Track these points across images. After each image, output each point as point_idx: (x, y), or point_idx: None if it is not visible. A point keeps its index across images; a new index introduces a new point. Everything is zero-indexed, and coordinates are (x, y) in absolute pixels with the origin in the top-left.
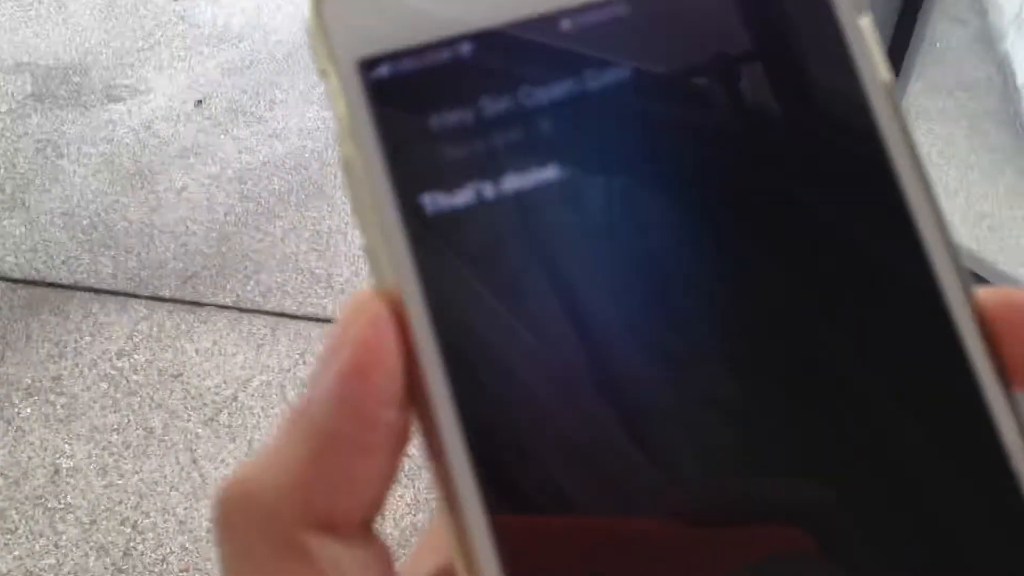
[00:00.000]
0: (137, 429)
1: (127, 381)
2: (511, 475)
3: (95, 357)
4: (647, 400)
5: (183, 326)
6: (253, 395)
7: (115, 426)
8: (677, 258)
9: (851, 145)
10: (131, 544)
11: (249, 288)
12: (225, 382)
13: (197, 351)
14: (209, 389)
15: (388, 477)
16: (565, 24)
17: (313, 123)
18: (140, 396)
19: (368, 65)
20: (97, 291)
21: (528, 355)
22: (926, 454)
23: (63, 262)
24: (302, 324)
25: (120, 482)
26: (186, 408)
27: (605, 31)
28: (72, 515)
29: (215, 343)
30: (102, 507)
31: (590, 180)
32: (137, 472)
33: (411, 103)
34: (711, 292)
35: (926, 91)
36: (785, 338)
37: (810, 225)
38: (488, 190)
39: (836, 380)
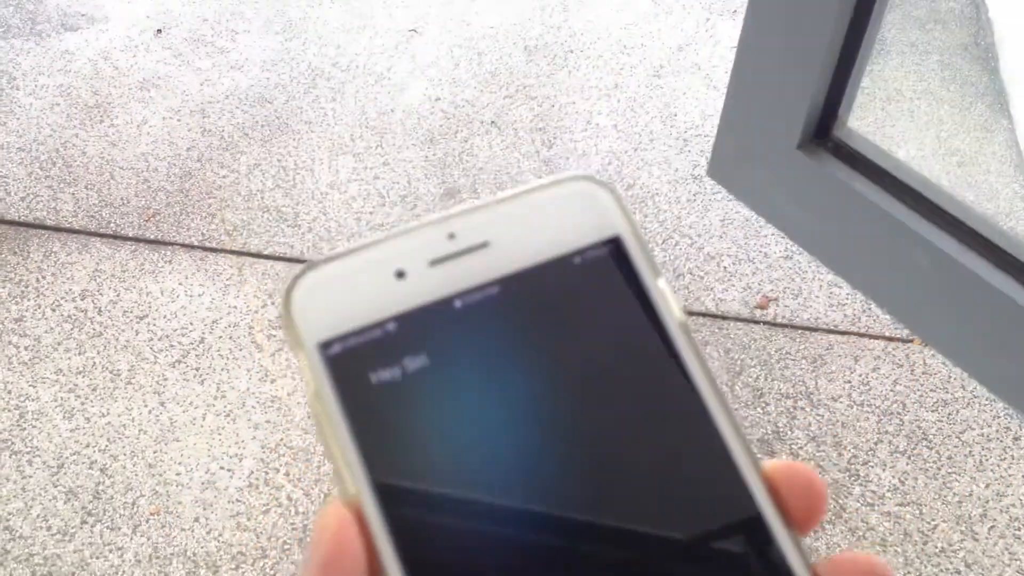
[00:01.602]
0: (103, 372)
1: (91, 322)
2: None
3: (57, 298)
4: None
5: (147, 266)
6: (221, 337)
7: (80, 368)
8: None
9: (660, 367)
10: (100, 487)
11: (214, 227)
12: (192, 323)
13: (162, 291)
14: (176, 331)
15: None
16: (457, 303)
17: (276, 54)
18: (105, 338)
19: (325, 345)
20: (57, 229)
21: (465, 540)
22: None
23: (21, 199)
24: (269, 263)
25: (87, 425)
26: (152, 350)
27: (485, 306)
28: (39, 459)
29: (180, 283)
30: (69, 451)
31: (483, 412)
32: (104, 415)
33: (357, 367)
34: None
35: (899, 23)
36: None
37: (634, 429)
38: (414, 422)
39: (656, 518)
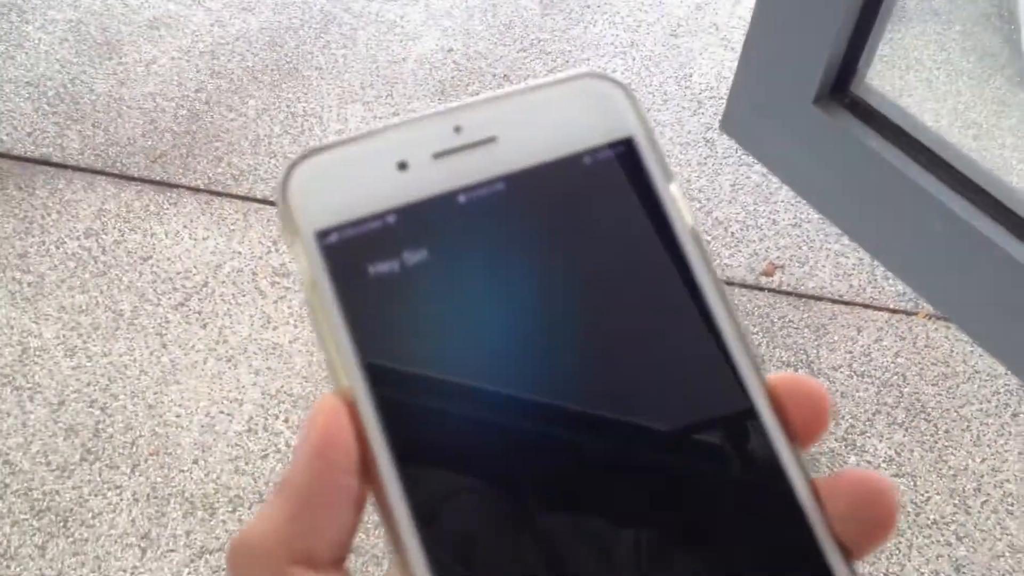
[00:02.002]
0: (106, 311)
1: (95, 262)
2: (444, 526)
3: (62, 235)
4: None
5: (152, 207)
6: (224, 282)
7: (83, 307)
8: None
9: (666, 273)
10: (100, 426)
11: (220, 170)
12: (196, 267)
13: (167, 234)
14: (179, 273)
15: (352, 528)
16: (461, 198)
17: None
18: (108, 277)
19: (323, 234)
20: (63, 166)
21: (455, 431)
22: (733, 498)
23: (28, 134)
24: (274, 209)
25: (88, 364)
26: (156, 292)
27: (489, 203)
28: (40, 395)
29: (185, 226)
30: (71, 388)
31: (482, 307)
32: (106, 355)
33: (354, 258)
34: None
35: None
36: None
37: (636, 332)
38: (411, 317)
39: (659, 435)
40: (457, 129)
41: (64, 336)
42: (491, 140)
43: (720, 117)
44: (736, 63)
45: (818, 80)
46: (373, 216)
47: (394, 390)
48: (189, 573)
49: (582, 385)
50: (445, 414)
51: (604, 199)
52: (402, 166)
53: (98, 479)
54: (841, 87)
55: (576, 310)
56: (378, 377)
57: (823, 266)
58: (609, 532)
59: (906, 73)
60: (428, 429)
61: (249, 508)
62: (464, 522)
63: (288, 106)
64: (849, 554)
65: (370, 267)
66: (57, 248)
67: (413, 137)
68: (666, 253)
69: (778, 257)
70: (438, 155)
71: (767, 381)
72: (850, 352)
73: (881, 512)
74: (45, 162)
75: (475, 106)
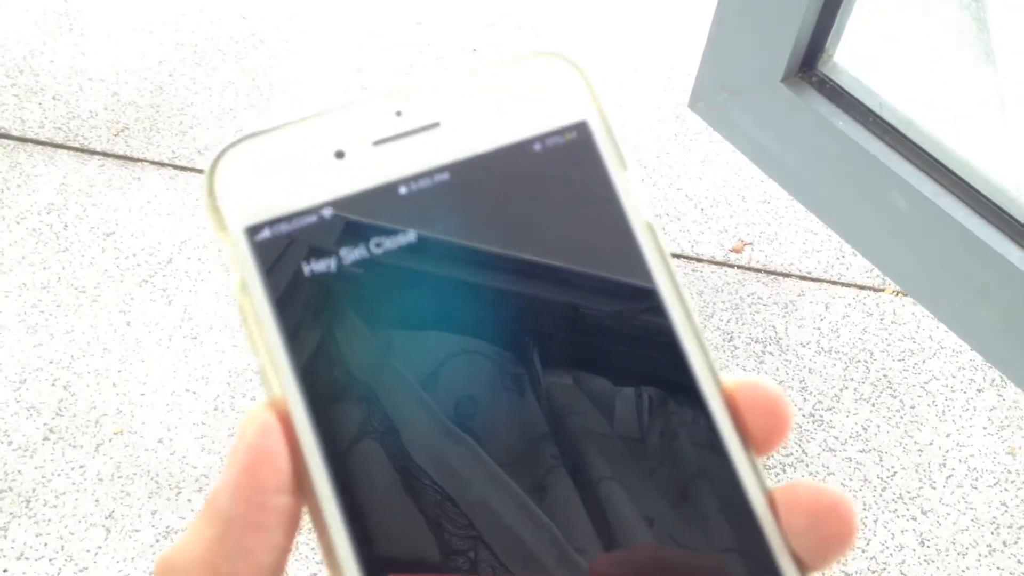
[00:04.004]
0: (68, 288)
1: (57, 237)
2: (382, 544)
3: (23, 210)
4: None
5: (115, 181)
6: (189, 258)
7: (45, 284)
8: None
9: (623, 271)
10: (63, 405)
11: (184, 144)
12: (160, 243)
13: (130, 209)
14: (143, 249)
15: (284, 549)
16: (402, 189)
17: None
18: (71, 253)
19: (253, 230)
20: (23, 140)
21: (396, 442)
22: (688, 511)
23: None
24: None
25: (51, 341)
26: (119, 268)
27: (429, 193)
28: (1, 374)
29: (149, 201)
30: (32, 366)
31: (426, 308)
32: (69, 332)
33: (287, 256)
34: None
35: None
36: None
37: (585, 331)
38: (350, 320)
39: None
40: (398, 113)
41: (25, 313)
42: (435, 125)
43: (687, 96)
44: (708, 33)
45: (786, 58)
46: (308, 210)
47: (331, 399)
48: (154, 553)
49: (533, 393)
50: (386, 424)
51: (555, 188)
52: (339, 155)
53: (61, 459)
54: (809, 65)
55: (521, 310)
56: (314, 385)
57: (792, 243)
58: (558, 550)
59: (874, 49)
60: (369, 447)
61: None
62: (405, 539)
63: (253, 79)
64: (806, 568)
65: (305, 266)
66: (18, 224)
67: (351, 123)
68: (619, 246)
69: (747, 234)
70: (378, 142)
71: (725, 386)
72: (818, 328)
73: (840, 528)
74: (5, 135)
75: (417, 89)
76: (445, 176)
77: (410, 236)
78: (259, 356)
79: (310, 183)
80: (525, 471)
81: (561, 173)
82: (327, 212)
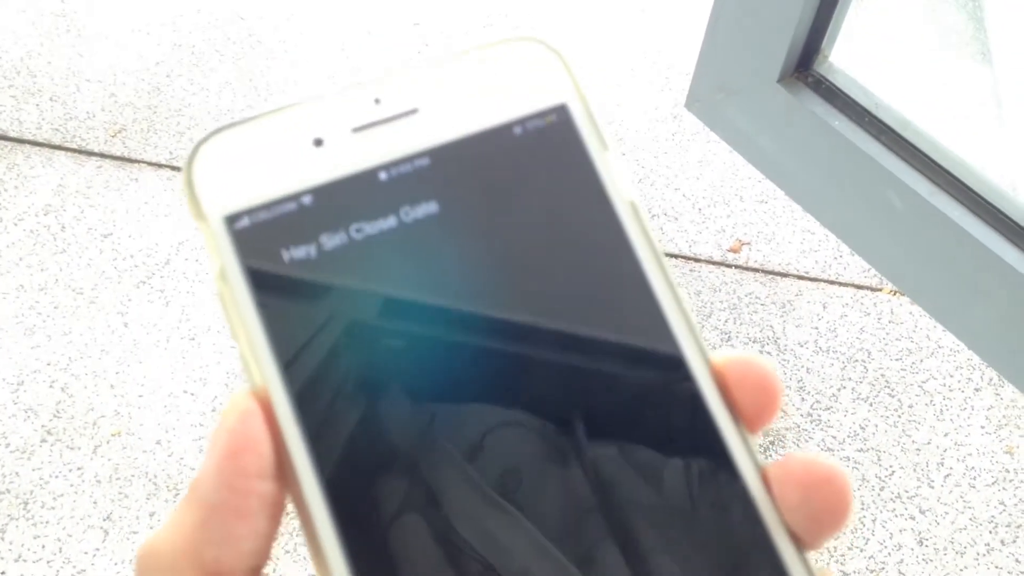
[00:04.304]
0: (66, 289)
1: (54, 239)
2: (363, 526)
3: (20, 212)
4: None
5: (113, 183)
6: (187, 259)
7: (42, 285)
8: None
9: (606, 249)
10: (61, 406)
11: (182, 145)
12: (157, 244)
13: (128, 210)
14: (141, 250)
15: (267, 535)
16: (382, 175)
17: None
18: (68, 255)
19: (232, 219)
20: (20, 141)
21: (379, 430)
22: (679, 491)
23: None
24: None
25: (48, 343)
26: (117, 270)
27: (412, 179)
28: None
29: (147, 202)
30: (30, 368)
31: (408, 293)
32: (66, 334)
33: (267, 244)
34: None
35: None
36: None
37: (573, 315)
38: (332, 308)
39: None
40: (377, 101)
41: (23, 315)
42: (413, 111)
43: (684, 97)
44: (704, 34)
45: (782, 59)
46: (287, 197)
47: (312, 387)
48: None
49: (518, 374)
50: (368, 412)
51: (536, 172)
52: (318, 142)
53: (59, 460)
54: (805, 66)
55: (510, 291)
56: (295, 373)
57: (789, 242)
58: (552, 534)
59: (870, 48)
60: (349, 428)
61: None
62: (387, 527)
63: (251, 80)
64: (803, 545)
65: (285, 253)
66: (15, 225)
67: (329, 111)
68: (604, 229)
69: (745, 233)
70: (357, 129)
71: (715, 362)
72: (816, 328)
73: (834, 500)
74: (2, 137)
75: (395, 76)
76: (425, 161)
77: (390, 221)
78: (240, 344)
79: (289, 171)
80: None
81: (542, 155)
82: (306, 199)
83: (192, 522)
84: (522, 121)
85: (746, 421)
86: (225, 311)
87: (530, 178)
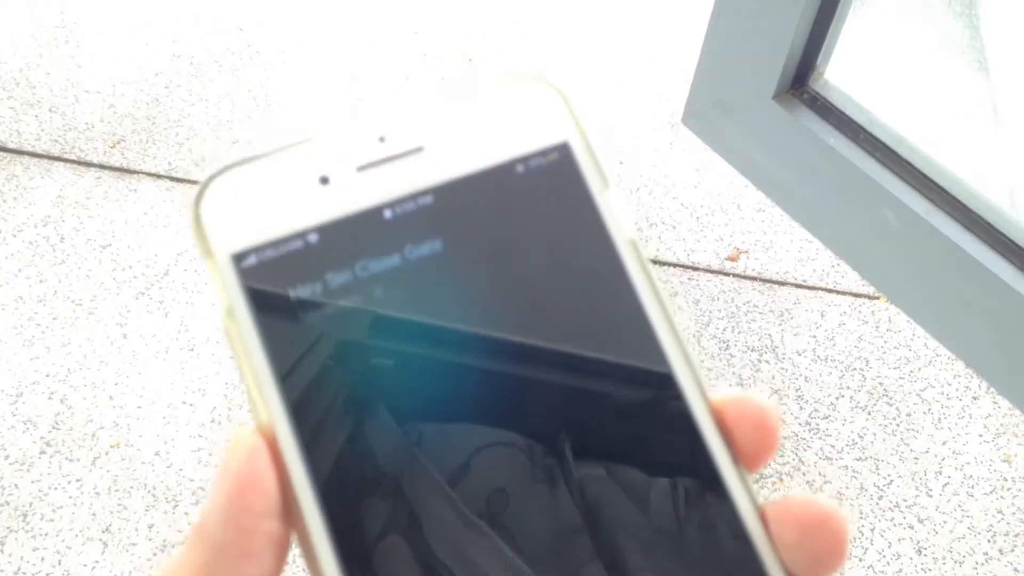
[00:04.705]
0: (64, 300)
1: (53, 250)
2: (370, 564)
3: (19, 223)
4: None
5: (112, 193)
6: (186, 269)
7: (41, 296)
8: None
9: (607, 287)
10: (60, 418)
11: (181, 156)
12: (156, 255)
13: (127, 221)
14: (140, 261)
15: (273, 574)
16: (387, 213)
17: None
18: (67, 266)
19: (239, 257)
20: (19, 152)
21: (384, 469)
22: (677, 528)
23: None
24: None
25: (47, 355)
26: (116, 280)
27: (417, 217)
28: None
29: (146, 213)
30: (29, 380)
31: (414, 333)
32: (65, 345)
33: (274, 282)
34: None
35: None
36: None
37: (582, 355)
38: (338, 345)
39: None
40: (382, 139)
41: (22, 327)
42: (418, 150)
43: (682, 108)
44: (700, 50)
45: (777, 76)
46: (293, 235)
47: (319, 425)
48: (152, 567)
49: (519, 410)
50: (374, 451)
51: (538, 209)
52: (324, 180)
53: (58, 472)
54: (801, 82)
55: (513, 326)
56: (301, 411)
57: (787, 251)
58: (538, 555)
59: (867, 56)
60: (355, 468)
61: None
62: (396, 567)
63: (250, 90)
64: None
65: (291, 291)
66: (14, 236)
67: (335, 149)
68: (605, 266)
69: (743, 242)
70: (362, 168)
71: (714, 400)
72: (814, 336)
73: (831, 541)
74: (1, 148)
75: (400, 115)
76: (429, 199)
77: (395, 259)
78: (246, 381)
79: (296, 209)
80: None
81: (544, 193)
82: (313, 237)
83: (199, 563)
84: (525, 159)
85: (744, 460)
86: (232, 348)
87: (532, 216)
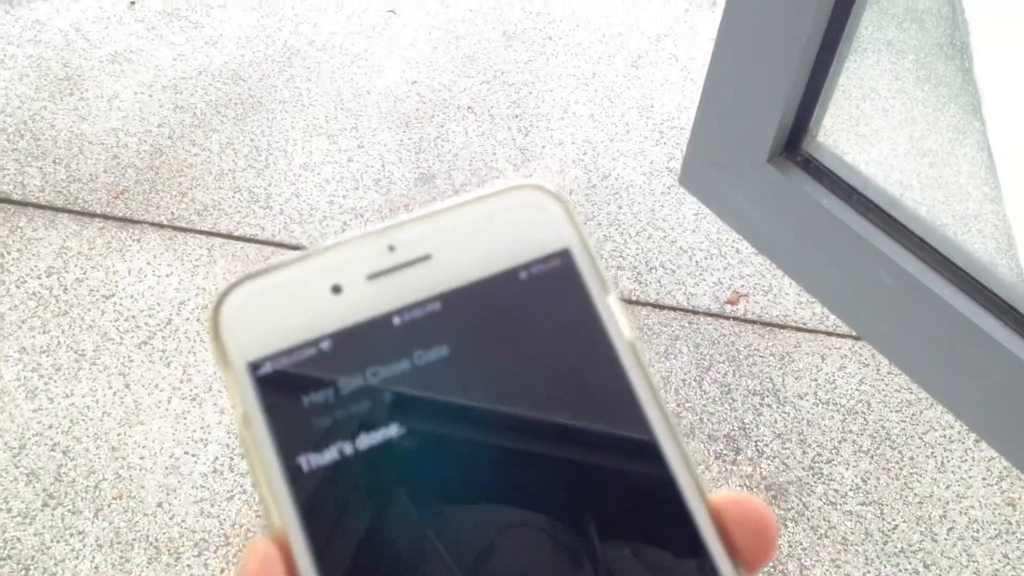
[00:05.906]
0: (68, 351)
1: (56, 301)
2: None
3: (23, 275)
4: None
5: (115, 244)
6: (188, 319)
7: (44, 347)
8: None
9: (607, 390)
10: (62, 470)
11: (184, 206)
12: (159, 304)
13: (130, 271)
14: (143, 311)
15: None
16: (396, 320)
17: (252, 31)
18: (70, 316)
19: (255, 366)
20: (24, 204)
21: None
22: None
23: None
24: (239, 245)
25: (50, 406)
26: (119, 330)
27: (426, 323)
28: (0, 439)
29: (148, 263)
30: (31, 431)
31: (424, 435)
32: (68, 396)
33: (288, 390)
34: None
35: (875, 21)
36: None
37: (578, 454)
38: (348, 449)
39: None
40: (391, 248)
41: (25, 378)
42: (426, 258)
43: (682, 148)
44: (697, 93)
45: (771, 139)
46: (307, 343)
47: (332, 531)
48: None
49: (528, 515)
50: (388, 556)
51: (541, 314)
52: (336, 289)
53: (60, 524)
54: (794, 145)
55: (517, 433)
56: (315, 517)
57: (787, 294)
58: None
59: (861, 103)
60: (369, 573)
61: (215, 551)
62: None
63: (252, 140)
64: None
65: (304, 398)
66: (18, 287)
67: (347, 258)
68: (606, 370)
69: (742, 285)
70: (372, 276)
71: (712, 500)
72: (815, 380)
73: None
74: (5, 200)
75: (408, 223)
76: (436, 306)
77: (404, 365)
78: (261, 487)
79: (309, 318)
80: None
81: (547, 298)
82: (325, 345)
83: None
84: (527, 266)
85: (743, 562)
86: (247, 454)
87: (536, 320)
